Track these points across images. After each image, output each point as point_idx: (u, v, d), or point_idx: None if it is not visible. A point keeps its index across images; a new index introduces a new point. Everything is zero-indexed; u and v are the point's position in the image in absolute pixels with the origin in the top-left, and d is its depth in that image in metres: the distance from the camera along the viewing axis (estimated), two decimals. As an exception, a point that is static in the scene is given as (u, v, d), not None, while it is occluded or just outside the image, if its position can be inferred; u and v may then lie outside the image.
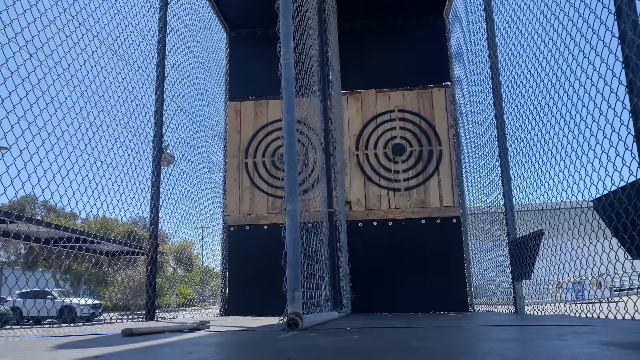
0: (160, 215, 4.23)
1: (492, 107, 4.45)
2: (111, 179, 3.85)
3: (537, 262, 3.58)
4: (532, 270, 3.65)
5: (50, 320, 9.78)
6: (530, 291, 4.00)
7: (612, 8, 2.57)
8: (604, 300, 3.54)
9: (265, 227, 5.21)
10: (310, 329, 2.03)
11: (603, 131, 2.64)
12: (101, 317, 14.08)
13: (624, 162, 2.47)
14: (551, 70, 3.34)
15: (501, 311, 4.52)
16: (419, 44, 5.60)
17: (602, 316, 2.80)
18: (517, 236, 4.03)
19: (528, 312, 3.91)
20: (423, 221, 5.07)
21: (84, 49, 3.54)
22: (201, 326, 2.33)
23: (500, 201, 4.29)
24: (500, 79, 4.42)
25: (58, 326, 3.76)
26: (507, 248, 4.15)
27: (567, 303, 3.74)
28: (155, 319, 4.06)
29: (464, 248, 5.08)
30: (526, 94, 3.79)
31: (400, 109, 5.42)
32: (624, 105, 2.49)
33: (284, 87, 2.36)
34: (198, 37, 5.55)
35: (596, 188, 2.76)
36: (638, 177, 2.37)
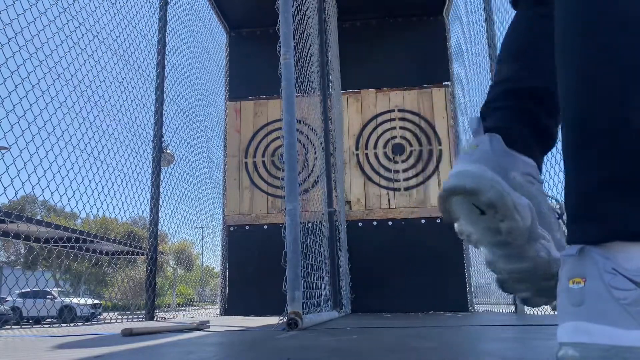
0: (160, 215, 4.23)
1: (492, 107, 4.44)
2: (111, 179, 3.85)
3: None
4: (532, 270, 3.64)
5: (50, 320, 9.79)
6: (530, 291, 3.99)
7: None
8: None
9: (265, 227, 5.21)
10: (310, 329, 2.03)
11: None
12: (101, 317, 14.08)
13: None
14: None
15: (501, 311, 4.52)
16: (418, 43, 5.60)
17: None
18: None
19: (528, 312, 3.91)
20: (423, 221, 5.07)
21: (84, 49, 3.54)
22: (201, 326, 2.33)
23: (500, 201, 4.28)
24: (500, 78, 4.41)
25: (58, 326, 3.76)
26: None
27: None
28: (155, 319, 4.06)
29: (464, 248, 5.08)
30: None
31: (400, 108, 5.42)
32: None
33: (283, 86, 2.36)
34: (198, 36, 5.55)
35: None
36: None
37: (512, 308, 4.12)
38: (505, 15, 4.14)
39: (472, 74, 5.30)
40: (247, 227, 5.25)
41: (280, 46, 2.41)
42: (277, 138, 5.41)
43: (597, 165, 0.72)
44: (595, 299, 0.69)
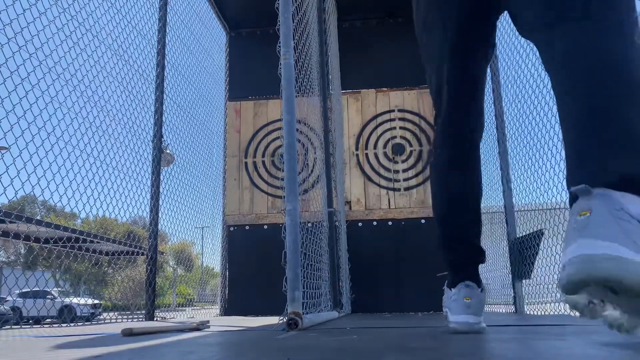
0: (160, 215, 4.22)
1: (492, 107, 4.45)
2: (111, 179, 3.85)
3: (537, 261, 3.58)
4: (532, 270, 3.65)
5: (50, 320, 9.79)
6: (530, 291, 4.00)
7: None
8: (603, 300, 3.53)
9: (265, 227, 5.21)
10: (310, 329, 2.04)
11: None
12: (101, 317, 14.08)
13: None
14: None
15: (501, 311, 4.52)
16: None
17: (602, 316, 2.79)
18: (517, 236, 4.03)
19: (528, 312, 3.91)
20: (423, 221, 5.08)
21: (83, 49, 3.54)
22: (201, 326, 2.33)
23: (501, 201, 4.29)
24: (500, 79, 4.42)
25: (58, 326, 3.76)
26: (507, 248, 4.16)
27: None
28: (155, 319, 4.06)
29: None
30: (526, 94, 3.79)
31: (400, 108, 5.42)
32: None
33: (283, 86, 2.36)
34: (198, 37, 5.55)
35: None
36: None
37: (512, 308, 4.12)
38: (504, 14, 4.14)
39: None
40: (247, 227, 5.25)
41: (280, 46, 2.41)
42: (277, 138, 5.41)
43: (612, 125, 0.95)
44: (602, 223, 0.75)
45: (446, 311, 1.69)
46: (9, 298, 13.51)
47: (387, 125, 5.39)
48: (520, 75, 3.88)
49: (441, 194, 1.77)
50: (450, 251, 1.74)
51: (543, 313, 3.69)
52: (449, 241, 1.75)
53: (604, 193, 0.80)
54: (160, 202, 4.24)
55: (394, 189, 5.20)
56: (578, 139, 1.00)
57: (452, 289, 1.66)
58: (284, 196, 2.22)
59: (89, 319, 13.11)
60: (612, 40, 1.07)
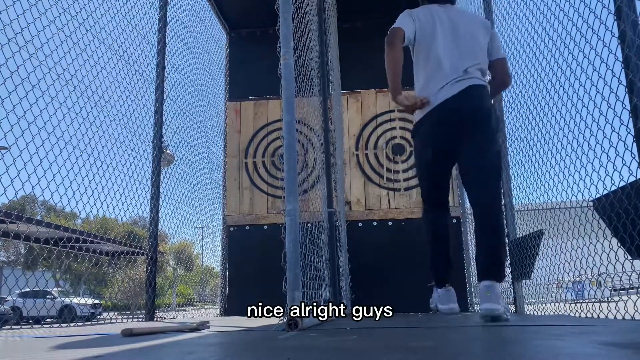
0: (160, 215, 4.22)
1: (492, 107, 4.44)
2: (111, 179, 3.85)
3: (537, 262, 3.59)
4: (532, 270, 3.65)
5: (50, 320, 9.79)
6: (530, 291, 3.99)
7: (612, 8, 2.57)
8: (603, 300, 3.54)
9: (265, 227, 5.21)
10: (310, 329, 2.04)
11: (603, 131, 2.64)
12: (101, 317, 14.08)
13: (623, 162, 2.47)
14: (551, 70, 3.34)
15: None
16: (418, 44, 5.58)
17: (602, 316, 2.80)
18: (517, 236, 4.03)
19: (528, 312, 3.91)
20: (423, 221, 5.07)
21: (83, 49, 3.54)
22: (201, 326, 2.33)
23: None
24: (500, 79, 4.40)
25: (58, 326, 3.76)
26: (507, 248, 4.15)
27: (567, 302, 3.74)
28: (155, 319, 4.06)
29: (463, 248, 5.08)
30: (526, 94, 3.79)
31: (400, 108, 5.41)
32: (623, 105, 2.49)
33: (283, 87, 2.36)
34: (198, 37, 5.55)
35: (596, 188, 2.76)
36: (638, 177, 2.37)
37: (512, 308, 4.12)
38: (504, 14, 4.14)
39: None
40: (247, 228, 5.25)
41: (280, 46, 2.41)
42: (277, 138, 5.41)
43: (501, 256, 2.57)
44: (497, 296, 2.40)
45: (434, 303, 3.18)
46: (9, 298, 13.52)
47: (387, 126, 5.39)
48: (520, 76, 3.89)
49: (433, 238, 3.04)
50: (437, 271, 3.07)
51: (543, 313, 3.69)
52: (437, 264, 3.06)
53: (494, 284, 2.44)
54: (160, 202, 4.24)
55: (394, 189, 5.20)
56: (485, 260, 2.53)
57: (439, 289, 3.08)
58: (284, 196, 2.22)
59: (89, 318, 13.11)
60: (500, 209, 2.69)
